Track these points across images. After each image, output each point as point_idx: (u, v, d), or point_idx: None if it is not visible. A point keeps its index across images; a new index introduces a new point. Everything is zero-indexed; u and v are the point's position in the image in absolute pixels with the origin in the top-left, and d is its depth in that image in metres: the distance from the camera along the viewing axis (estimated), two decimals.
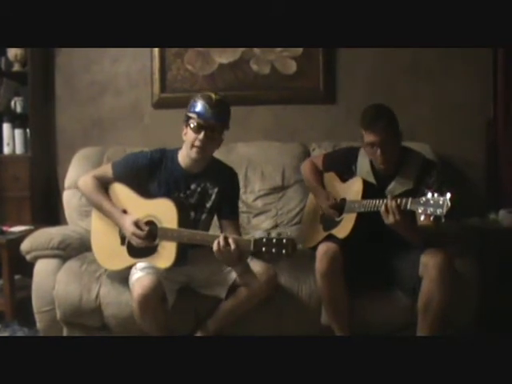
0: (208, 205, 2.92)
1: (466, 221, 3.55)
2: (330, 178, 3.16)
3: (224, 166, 3.03)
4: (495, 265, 3.47)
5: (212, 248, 2.63)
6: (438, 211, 2.45)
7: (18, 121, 4.11)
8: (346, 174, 3.06)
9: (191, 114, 2.80)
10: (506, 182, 3.85)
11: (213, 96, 2.81)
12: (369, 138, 2.82)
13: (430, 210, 2.48)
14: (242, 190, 3.59)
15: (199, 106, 2.78)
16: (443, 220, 2.47)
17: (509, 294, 3.46)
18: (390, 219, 2.64)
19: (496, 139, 3.88)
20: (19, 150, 4.10)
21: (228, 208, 2.97)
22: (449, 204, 2.43)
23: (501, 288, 3.47)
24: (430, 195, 2.51)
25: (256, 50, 4.04)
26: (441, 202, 2.45)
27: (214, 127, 2.80)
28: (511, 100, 3.83)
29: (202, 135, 2.77)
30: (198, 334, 2.87)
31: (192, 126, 2.79)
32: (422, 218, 2.58)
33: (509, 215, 3.63)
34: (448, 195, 2.44)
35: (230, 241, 2.61)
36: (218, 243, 2.61)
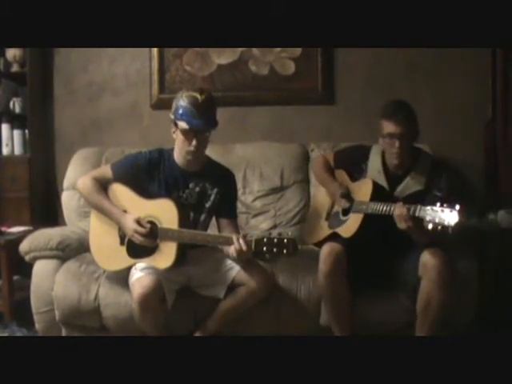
0: (207, 205, 2.93)
1: (465, 222, 3.55)
2: (340, 175, 3.16)
3: (222, 167, 3.04)
4: (494, 265, 3.47)
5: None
6: (446, 222, 2.46)
7: (16, 121, 4.11)
8: (356, 172, 3.06)
9: (180, 122, 2.77)
10: (504, 183, 3.85)
11: (198, 97, 2.76)
12: (389, 128, 2.82)
13: (438, 219, 2.49)
14: (240, 191, 3.60)
15: (186, 112, 2.74)
16: (450, 231, 2.46)
17: (508, 294, 3.46)
18: (402, 225, 2.65)
19: (495, 140, 3.88)
20: (18, 150, 4.10)
21: (227, 208, 2.98)
22: (457, 217, 2.43)
23: (500, 288, 3.47)
24: (439, 205, 2.51)
25: (255, 51, 4.04)
26: (450, 214, 2.46)
27: (205, 131, 2.80)
28: (510, 101, 3.83)
29: (194, 142, 2.76)
30: (197, 334, 2.87)
31: (181, 129, 2.78)
32: (430, 226, 2.56)
33: (508, 216, 3.63)
34: (457, 207, 2.45)
35: (248, 241, 2.64)
36: (240, 246, 2.62)
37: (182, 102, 2.78)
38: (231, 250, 2.66)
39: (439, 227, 2.49)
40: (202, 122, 2.75)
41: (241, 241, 2.63)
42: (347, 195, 2.99)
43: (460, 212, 2.43)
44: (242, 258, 2.71)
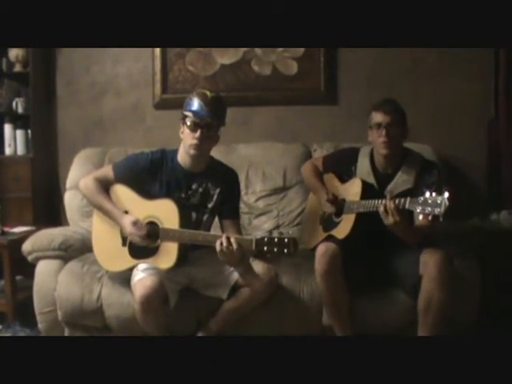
0: (210, 205, 2.92)
1: (467, 221, 3.54)
2: (330, 179, 3.16)
3: (225, 167, 3.03)
4: (496, 265, 3.47)
5: (214, 249, 2.63)
6: (436, 210, 2.45)
7: (19, 121, 4.12)
8: (345, 174, 3.07)
9: (187, 113, 2.80)
10: (507, 183, 3.85)
11: (208, 94, 2.81)
12: (377, 118, 2.86)
13: (428, 209, 2.48)
14: (243, 191, 3.59)
15: (195, 104, 2.78)
16: (441, 219, 2.47)
17: (509, 295, 3.45)
18: (389, 220, 2.64)
19: (498, 139, 3.87)
20: (21, 150, 4.11)
21: (229, 208, 2.97)
22: (447, 203, 2.43)
23: (501, 288, 3.47)
24: (428, 194, 2.51)
25: (257, 51, 4.04)
26: (439, 201, 2.45)
27: (210, 125, 2.80)
28: None
29: (198, 133, 2.77)
30: (200, 335, 2.87)
31: (188, 124, 2.79)
32: (421, 217, 2.59)
33: (510, 216, 3.63)
34: (446, 194, 2.44)
35: (233, 240, 2.61)
36: (221, 243, 2.61)
37: (192, 97, 2.82)
38: (217, 249, 2.64)
39: (429, 217, 2.50)
40: (209, 114, 2.76)
41: (224, 240, 2.61)
42: (333, 201, 3.00)
43: (449, 199, 2.43)
44: (227, 260, 2.68)
